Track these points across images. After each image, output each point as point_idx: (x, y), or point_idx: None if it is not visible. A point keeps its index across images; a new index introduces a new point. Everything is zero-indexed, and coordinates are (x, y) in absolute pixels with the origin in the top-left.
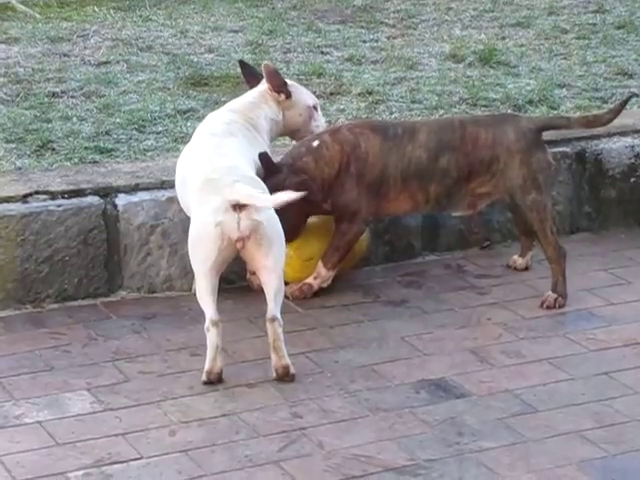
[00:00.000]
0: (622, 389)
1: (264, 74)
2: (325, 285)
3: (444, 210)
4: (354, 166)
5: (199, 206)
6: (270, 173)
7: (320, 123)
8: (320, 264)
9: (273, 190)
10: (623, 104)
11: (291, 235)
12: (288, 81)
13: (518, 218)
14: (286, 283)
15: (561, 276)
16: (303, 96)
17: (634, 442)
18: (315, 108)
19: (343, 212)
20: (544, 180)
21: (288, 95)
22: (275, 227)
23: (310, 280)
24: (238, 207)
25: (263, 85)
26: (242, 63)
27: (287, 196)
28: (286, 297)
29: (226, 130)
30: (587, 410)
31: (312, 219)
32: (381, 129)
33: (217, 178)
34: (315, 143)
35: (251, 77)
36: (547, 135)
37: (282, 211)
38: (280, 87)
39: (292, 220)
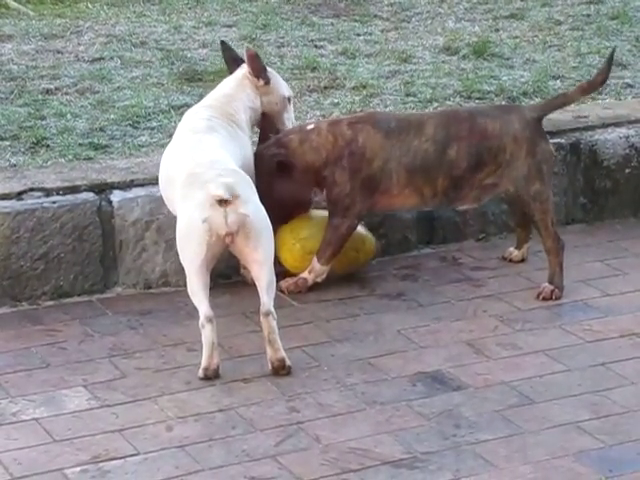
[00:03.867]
0: (618, 380)
1: (245, 57)
2: (319, 280)
3: (451, 204)
4: (347, 160)
5: (184, 202)
6: (262, 140)
7: (291, 116)
8: (314, 259)
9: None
10: (609, 61)
11: (275, 218)
12: (268, 68)
13: (516, 210)
14: (282, 274)
15: (558, 268)
16: (281, 85)
17: (630, 433)
18: (289, 100)
19: (336, 206)
20: (547, 170)
21: (267, 81)
22: (263, 220)
23: (305, 275)
24: (224, 201)
25: (242, 70)
26: (224, 44)
27: None
28: (281, 291)
29: (207, 126)
30: (583, 401)
31: (323, 214)
32: (384, 124)
33: (200, 173)
34: (310, 127)
35: (232, 60)
36: None
37: (267, 191)
38: (260, 72)
39: (278, 201)
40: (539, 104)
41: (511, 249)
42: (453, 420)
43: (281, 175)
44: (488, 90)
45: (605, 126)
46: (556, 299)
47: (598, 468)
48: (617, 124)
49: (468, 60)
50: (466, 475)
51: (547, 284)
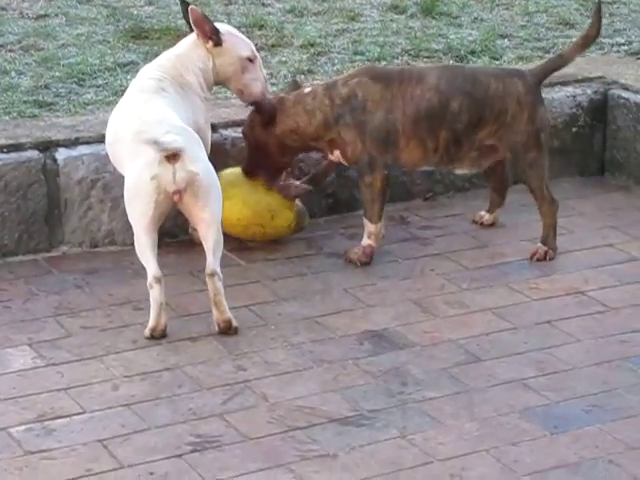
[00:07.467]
0: (564, 337)
1: (190, 19)
2: (380, 237)
3: (451, 162)
4: (350, 117)
5: (132, 160)
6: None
7: (256, 76)
8: (366, 222)
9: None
10: (598, 12)
11: (248, 169)
12: (225, 27)
13: (493, 173)
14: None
15: (552, 230)
16: (237, 46)
17: (575, 389)
18: (250, 60)
19: (358, 164)
20: (544, 138)
21: (217, 43)
22: (211, 179)
23: (368, 241)
24: (172, 158)
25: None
26: (184, 4)
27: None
28: (351, 261)
29: (156, 86)
30: (529, 359)
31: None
32: (382, 77)
33: (147, 130)
34: (307, 90)
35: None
36: None
37: (251, 140)
38: (208, 33)
39: (255, 153)
40: (536, 69)
41: (482, 213)
42: (400, 378)
43: (264, 129)
44: (436, 49)
45: (552, 85)
46: (549, 260)
47: (543, 425)
48: (564, 83)
49: (416, 18)
50: (412, 432)
51: (541, 245)
